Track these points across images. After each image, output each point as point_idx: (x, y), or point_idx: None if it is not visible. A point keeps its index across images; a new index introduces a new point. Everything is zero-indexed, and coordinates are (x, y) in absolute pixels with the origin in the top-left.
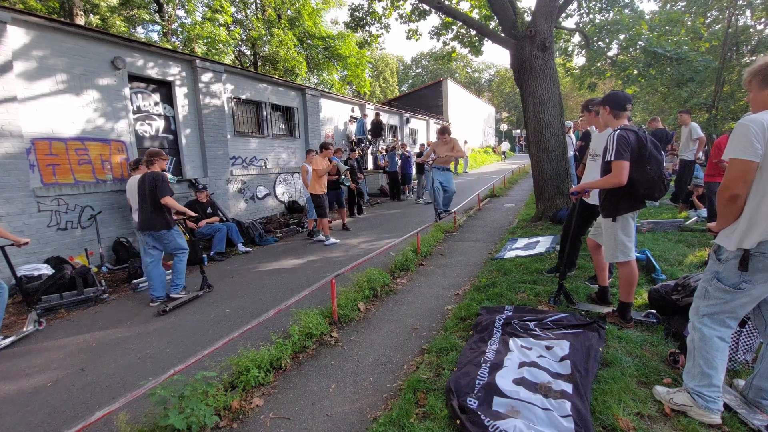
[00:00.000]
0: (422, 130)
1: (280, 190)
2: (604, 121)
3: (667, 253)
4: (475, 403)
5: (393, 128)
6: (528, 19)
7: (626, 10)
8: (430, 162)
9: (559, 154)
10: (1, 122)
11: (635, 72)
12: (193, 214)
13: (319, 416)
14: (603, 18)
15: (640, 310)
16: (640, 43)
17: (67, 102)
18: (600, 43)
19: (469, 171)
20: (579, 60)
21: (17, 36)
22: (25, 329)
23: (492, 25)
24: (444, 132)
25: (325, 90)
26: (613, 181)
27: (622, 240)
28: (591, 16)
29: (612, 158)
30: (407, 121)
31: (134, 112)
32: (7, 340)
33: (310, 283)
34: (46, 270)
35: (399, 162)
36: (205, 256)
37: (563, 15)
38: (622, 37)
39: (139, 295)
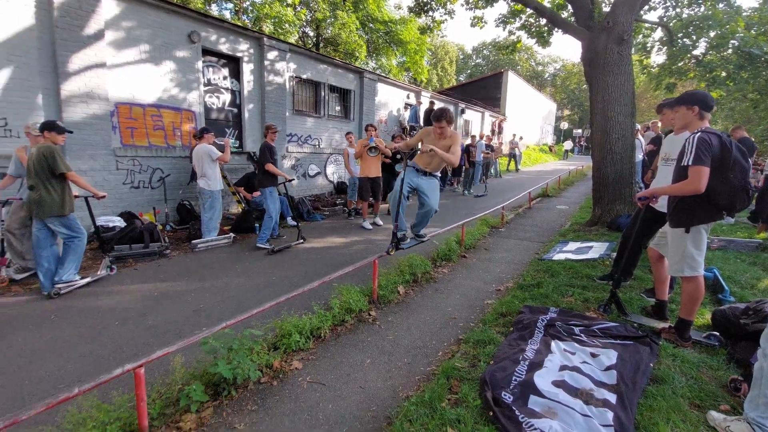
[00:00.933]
0: (476, 122)
1: (330, 169)
2: (685, 122)
3: (738, 274)
4: (510, 398)
5: None
6: (606, 10)
7: (720, 5)
8: (406, 152)
9: (625, 157)
10: (91, 86)
11: (723, 74)
12: (288, 177)
13: (352, 386)
14: (692, 12)
15: (700, 330)
16: (733, 42)
17: (147, 71)
18: (685, 40)
19: (522, 168)
20: (658, 57)
21: (109, 7)
22: (98, 273)
23: (564, 14)
24: (441, 118)
25: (383, 75)
26: (688, 189)
27: (691, 253)
28: (678, 9)
29: (689, 163)
30: (462, 111)
31: (205, 85)
32: (84, 281)
33: (353, 261)
34: (119, 222)
35: None
36: (257, 225)
37: (646, 7)
38: (712, 34)
39: (196, 254)
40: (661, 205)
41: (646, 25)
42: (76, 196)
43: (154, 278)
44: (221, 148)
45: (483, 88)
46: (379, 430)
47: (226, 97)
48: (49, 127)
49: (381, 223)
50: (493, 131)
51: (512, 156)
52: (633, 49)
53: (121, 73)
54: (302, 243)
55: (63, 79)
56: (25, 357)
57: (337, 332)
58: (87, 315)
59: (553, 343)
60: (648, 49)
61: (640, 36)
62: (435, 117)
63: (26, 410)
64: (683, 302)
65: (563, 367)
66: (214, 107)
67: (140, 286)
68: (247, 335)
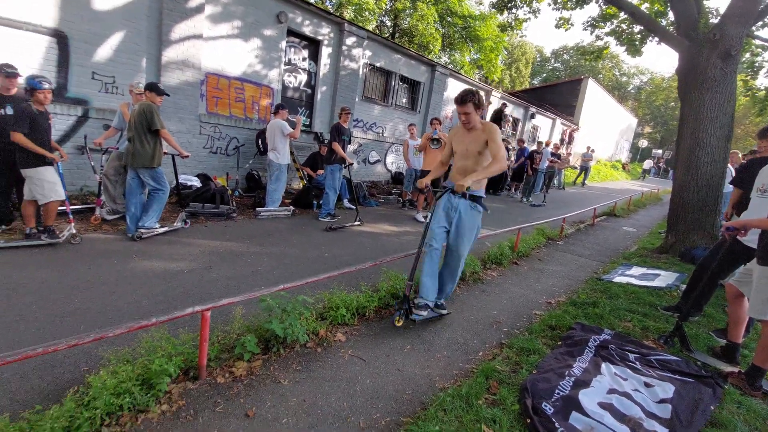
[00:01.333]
0: (546, 128)
1: (390, 159)
2: None
3: None
4: (550, 409)
5: (515, 121)
6: (714, 21)
7: None
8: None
9: (712, 184)
10: (187, 55)
11: None
12: (349, 160)
13: (390, 368)
14: None
15: None
16: None
17: (236, 45)
18: None
19: (588, 184)
20: (767, 80)
21: None
22: (175, 224)
23: (663, 22)
24: (465, 99)
25: (454, 70)
26: None
27: None
28: None
29: None
30: (532, 116)
31: (285, 64)
32: (162, 229)
33: (403, 250)
34: (196, 182)
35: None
36: (315, 202)
37: (759, 23)
38: None
39: (258, 221)
40: (751, 239)
41: (757, 42)
42: (164, 153)
43: (221, 237)
44: (293, 125)
45: (558, 94)
46: (413, 413)
47: (303, 78)
48: (150, 87)
49: (422, 218)
50: (562, 140)
51: (583, 169)
52: (738, 66)
53: (214, 46)
54: (358, 225)
55: (165, 46)
56: (109, 286)
57: (381, 314)
58: (162, 259)
59: (603, 365)
60: (756, 68)
61: (748, 54)
62: (458, 99)
63: (111, 329)
64: (760, 348)
65: (612, 391)
66: (291, 86)
67: (208, 242)
68: (300, 300)
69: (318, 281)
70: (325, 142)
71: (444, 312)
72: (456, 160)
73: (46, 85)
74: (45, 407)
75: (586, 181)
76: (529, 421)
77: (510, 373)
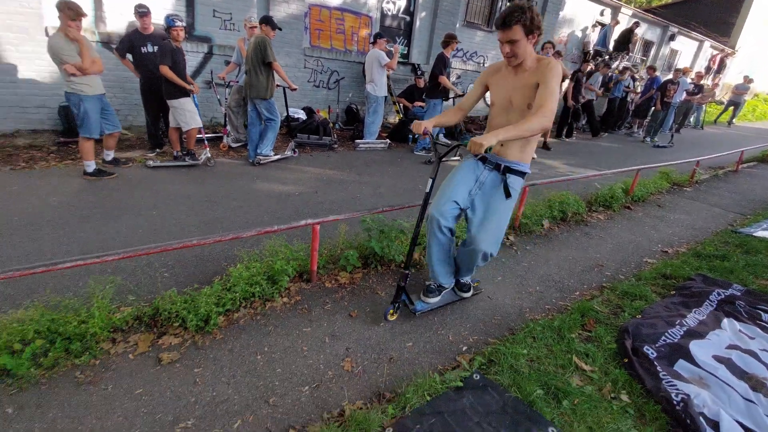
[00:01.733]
0: (688, 53)
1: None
2: None
3: None
4: (653, 353)
5: (647, 45)
6: None
7: None
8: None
9: None
10: None
11: None
12: (458, 91)
13: (480, 294)
14: None
15: None
16: None
17: None
18: None
19: (737, 123)
20: None
21: None
22: (285, 153)
23: None
24: (509, 20)
25: None
26: None
27: None
28: None
29: None
30: (671, 38)
31: None
32: (276, 157)
33: None
34: (302, 115)
35: (627, 87)
36: (410, 136)
37: None
38: None
39: (357, 152)
40: None
41: None
42: (276, 86)
43: (324, 166)
44: (391, 56)
45: (710, 8)
46: (501, 336)
47: (402, 3)
48: (265, 21)
49: (535, 156)
50: (708, 68)
51: (732, 104)
52: None
53: None
54: (456, 160)
55: None
56: (238, 202)
57: None
58: (277, 182)
59: (725, 320)
60: None
61: None
62: (498, 21)
63: (245, 231)
64: None
65: (732, 347)
66: (389, 14)
67: (313, 169)
68: (396, 224)
69: (414, 207)
70: (420, 73)
71: (467, 295)
72: (493, 115)
73: (179, 23)
74: (200, 287)
75: (734, 120)
76: (626, 360)
77: (609, 315)
